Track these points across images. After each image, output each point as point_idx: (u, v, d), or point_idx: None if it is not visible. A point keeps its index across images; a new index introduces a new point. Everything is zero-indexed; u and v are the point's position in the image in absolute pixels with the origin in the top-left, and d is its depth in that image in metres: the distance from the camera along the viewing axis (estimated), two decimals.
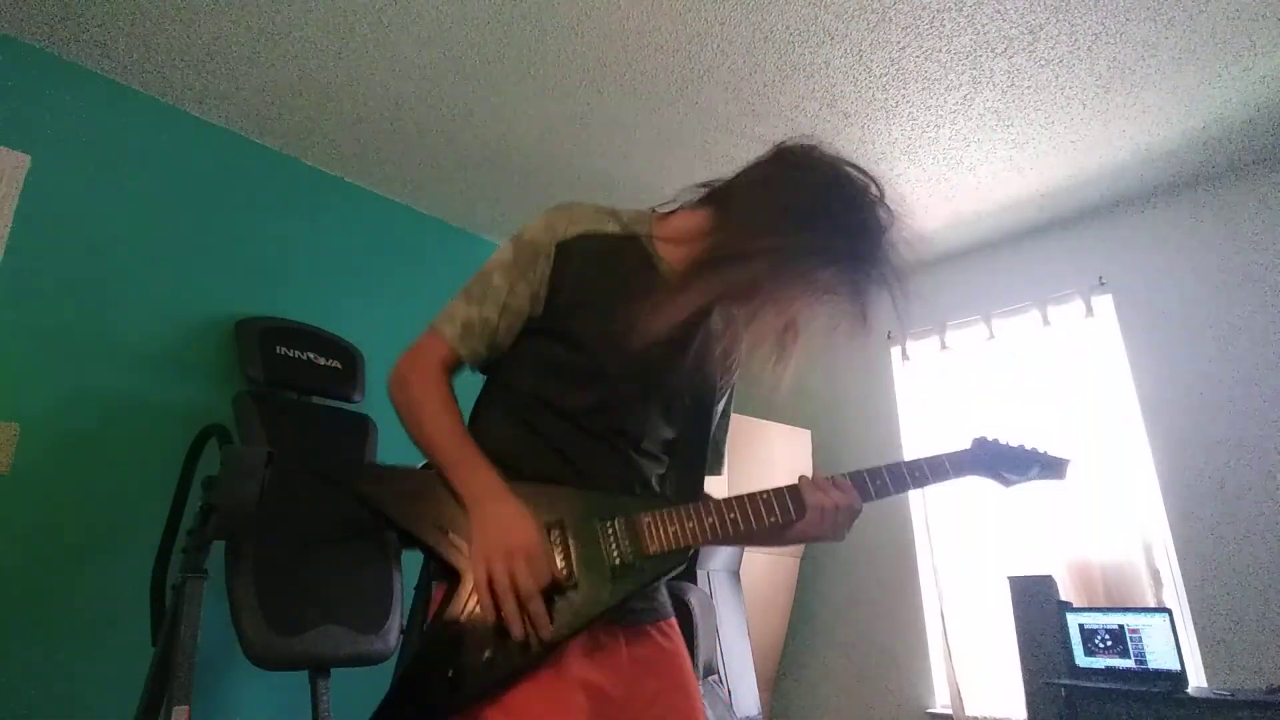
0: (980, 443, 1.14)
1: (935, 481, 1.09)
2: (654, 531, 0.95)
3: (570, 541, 0.93)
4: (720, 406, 1.16)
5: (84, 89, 2.39)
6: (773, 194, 1.05)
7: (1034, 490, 1.21)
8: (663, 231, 1.07)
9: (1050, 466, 1.17)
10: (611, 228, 1.06)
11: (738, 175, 1.11)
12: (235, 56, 2.37)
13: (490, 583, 0.87)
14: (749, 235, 0.98)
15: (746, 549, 3.41)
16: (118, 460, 2.23)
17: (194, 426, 2.22)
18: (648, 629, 1.01)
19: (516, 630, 0.86)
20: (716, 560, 3.27)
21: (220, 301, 2.54)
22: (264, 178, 2.78)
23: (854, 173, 1.05)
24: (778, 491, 1.02)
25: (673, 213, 1.10)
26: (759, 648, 3.43)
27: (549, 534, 0.93)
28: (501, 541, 0.89)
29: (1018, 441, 1.16)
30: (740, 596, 3.36)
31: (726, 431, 1.20)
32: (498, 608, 0.87)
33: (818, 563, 3.79)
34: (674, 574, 0.97)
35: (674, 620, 1.08)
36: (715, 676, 2.98)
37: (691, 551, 0.97)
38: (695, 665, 2.83)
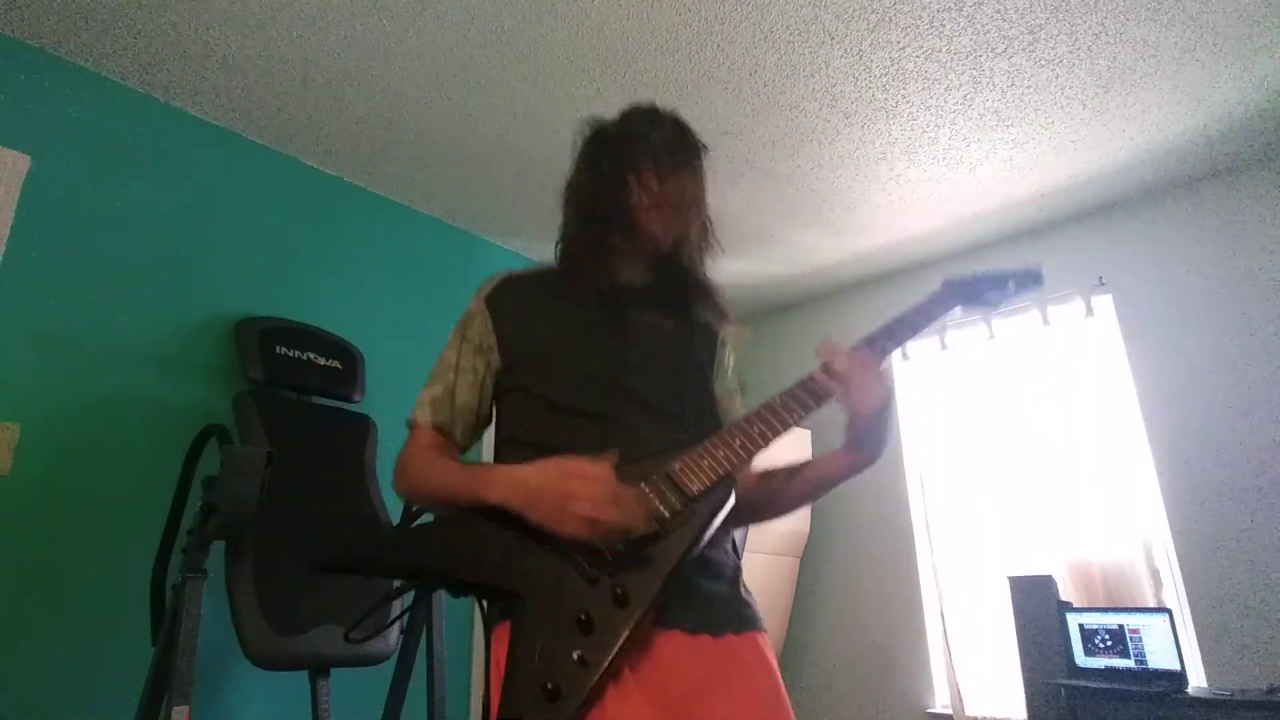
0: (949, 281, 1.14)
1: (926, 325, 1.07)
2: (690, 473, 0.93)
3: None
4: (716, 373, 1.16)
5: (84, 89, 2.39)
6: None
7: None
8: None
9: (1025, 277, 1.14)
10: (530, 270, 1.17)
11: None
12: (235, 56, 2.37)
13: (590, 524, 0.85)
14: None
15: (747, 550, 3.41)
16: (118, 460, 2.23)
17: (194, 426, 2.22)
18: (720, 639, 0.95)
19: (647, 522, 0.87)
20: None
21: (220, 301, 2.54)
22: (264, 178, 2.78)
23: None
24: (796, 384, 1.01)
25: None
26: None
27: None
28: (545, 485, 0.88)
29: (983, 269, 1.17)
30: None
31: (736, 393, 1.19)
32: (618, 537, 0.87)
33: (818, 563, 3.79)
34: (726, 508, 0.93)
35: (761, 635, 1.00)
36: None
37: (731, 479, 0.94)
38: None
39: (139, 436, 2.28)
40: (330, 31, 2.27)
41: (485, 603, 0.95)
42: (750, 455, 0.95)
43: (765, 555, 3.60)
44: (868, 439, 1.00)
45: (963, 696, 3.12)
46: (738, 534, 1.15)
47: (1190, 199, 3.12)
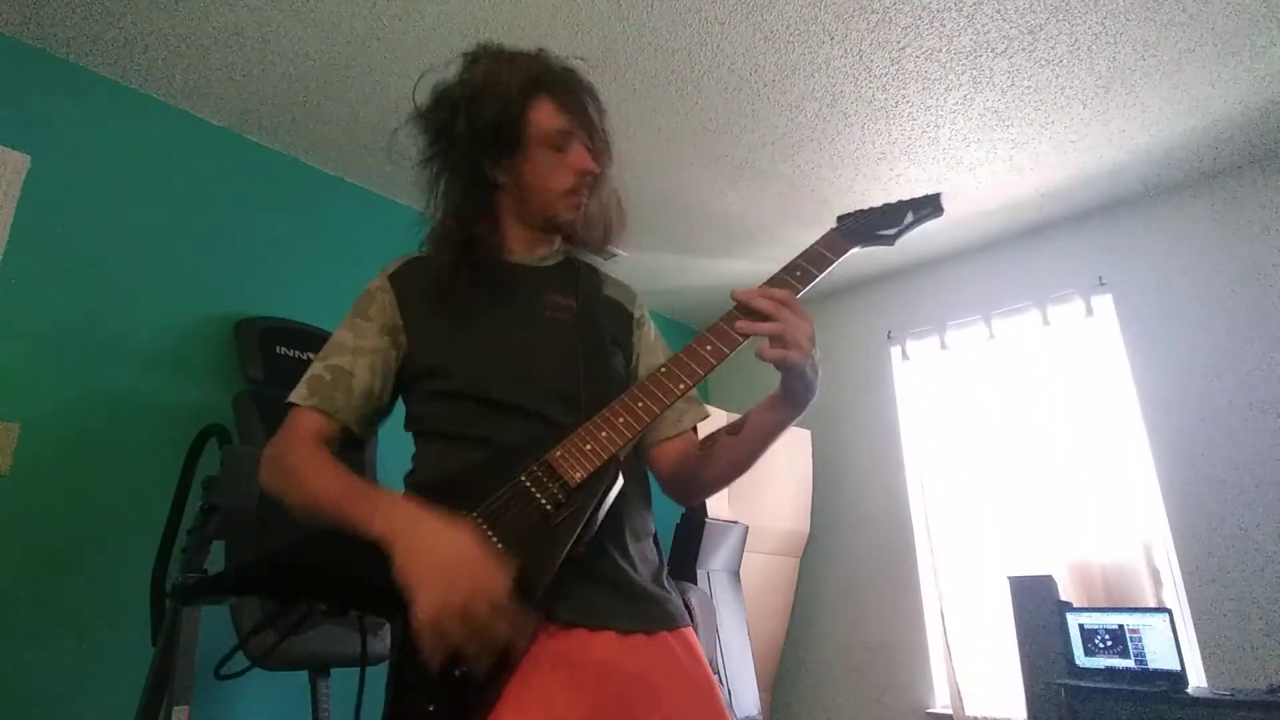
0: (843, 218, 1.06)
1: (820, 270, 0.98)
2: (570, 461, 0.86)
3: (502, 516, 0.85)
4: (637, 351, 1.12)
5: (84, 89, 2.39)
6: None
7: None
8: None
9: (922, 206, 1.08)
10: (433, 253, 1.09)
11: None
12: (235, 56, 2.37)
13: (444, 623, 0.75)
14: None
15: (747, 550, 3.41)
16: (118, 460, 2.23)
17: (194, 426, 2.22)
18: (653, 638, 0.93)
19: (487, 661, 0.77)
20: (716, 560, 3.27)
21: (220, 301, 2.54)
22: (263, 177, 2.78)
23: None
24: (698, 337, 0.93)
25: None
26: (759, 648, 3.43)
27: (478, 524, 0.83)
28: (436, 567, 0.76)
29: (879, 203, 1.10)
30: (740, 596, 3.36)
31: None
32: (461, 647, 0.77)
33: (818, 563, 3.79)
34: (612, 494, 0.87)
35: (689, 631, 0.98)
36: (715, 676, 2.98)
37: (616, 461, 0.88)
38: None
39: (139, 436, 2.28)
40: (330, 32, 2.27)
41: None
42: (635, 433, 0.88)
43: (765, 555, 3.60)
44: (805, 379, 0.92)
45: (963, 696, 3.12)
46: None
47: (1190, 199, 3.13)
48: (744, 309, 0.91)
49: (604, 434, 0.88)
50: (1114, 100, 2.59)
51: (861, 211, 1.06)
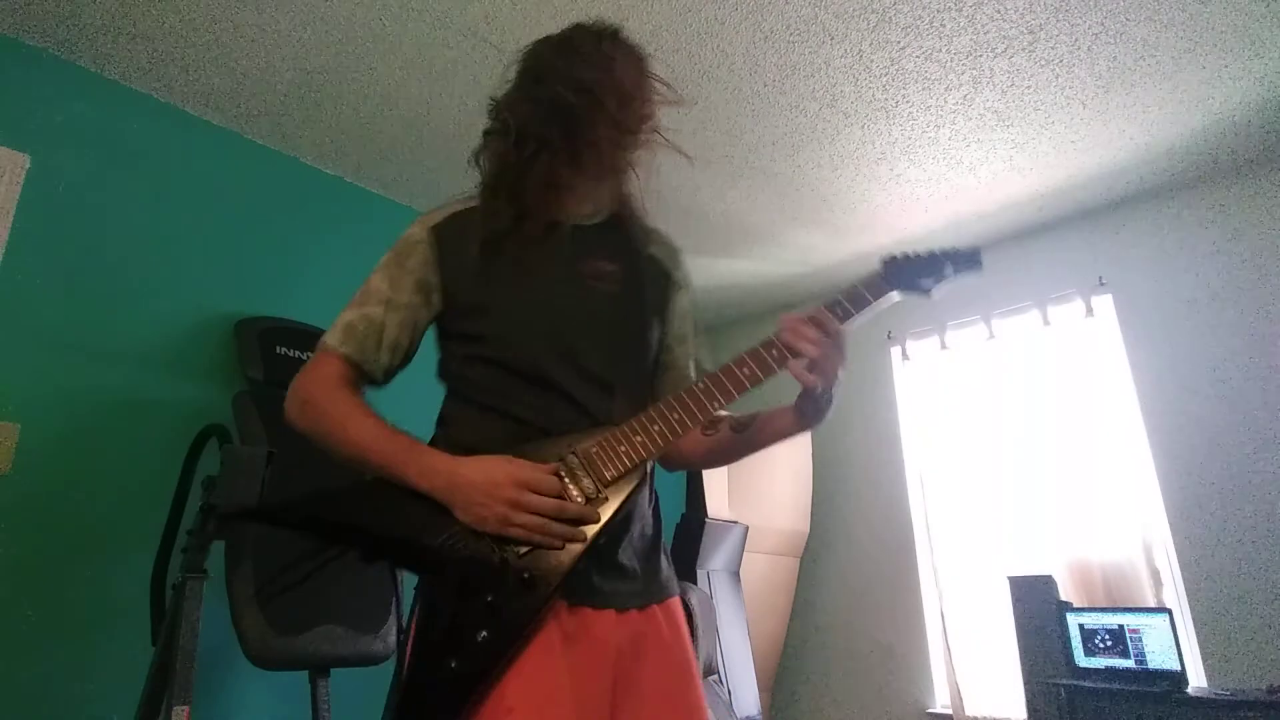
0: (889, 261, 1.07)
1: (859, 310, 1.01)
2: (604, 458, 0.94)
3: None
4: (668, 319, 1.14)
5: (84, 89, 2.39)
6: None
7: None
8: None
9: (963, 260, 1.08)
10: (478, 205, 1.08)
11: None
12: (235, 56, 2.37)
13: (508, 527, 0.88)
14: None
15: (747, 550, 3.41)
16: (118, 460, 2.23)
17: (194, 426, 2.22)
18: (644, 612, 1.00)
19: (563, 543, 0.89)
20: (716, 560, 3.27)
21: (220, 301, 2.55)
22: (264, 178, 2.78)
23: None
24: (737, 359, 0.98)
25: None
26: (759, 648, 3.43)
27: None
28: (487, 492, 0.89)
29: (924, 249, 1.09)
30: (740, 596, 3.36)
31: (687, 339, 1.17)
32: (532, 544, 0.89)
33: (818, 563, 3.79)
34: (639, 495, 0.98)
35: (675, 600, 1.05)
36: (715, 676, 2.98)
37: (644, 466, 0.96)
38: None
39: (139, 436, 2.28)
40: (330, 32, 2.27)
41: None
42: (668, 442, 0.95)
43: (765, 555, 3.60)
44: (821, 403, 1.00)
45: (963, 696, 3.12)
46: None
47: (1190, 199, 3.12)
48: (791, 332, 0.97)
49: (639, 439, 0.94)
50: (1114, 100, 2.59)
51: (906, 256, 1.07)
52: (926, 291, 1.07)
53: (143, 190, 2.46)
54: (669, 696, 0.97)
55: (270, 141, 2.80)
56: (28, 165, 2.21)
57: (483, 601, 0.87)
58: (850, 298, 1.01)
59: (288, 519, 1.00)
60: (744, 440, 1.07)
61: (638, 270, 1.09)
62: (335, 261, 2.90)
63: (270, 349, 2.44)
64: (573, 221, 1.08)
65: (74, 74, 2.37)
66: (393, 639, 2.21)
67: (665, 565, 1.06)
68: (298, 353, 2.49)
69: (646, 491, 1.06)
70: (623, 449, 0.94)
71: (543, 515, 0.89)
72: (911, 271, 1.06)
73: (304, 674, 2.11)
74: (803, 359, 0.95)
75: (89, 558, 2.13)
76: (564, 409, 0.99)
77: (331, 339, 1.01)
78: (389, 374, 1.05)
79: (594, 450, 0.94)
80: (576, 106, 1.01)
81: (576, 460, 0.93)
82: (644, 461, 0.94)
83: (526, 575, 0.88)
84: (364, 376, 1.02)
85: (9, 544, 2.01)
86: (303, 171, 2.91)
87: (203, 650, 1.86)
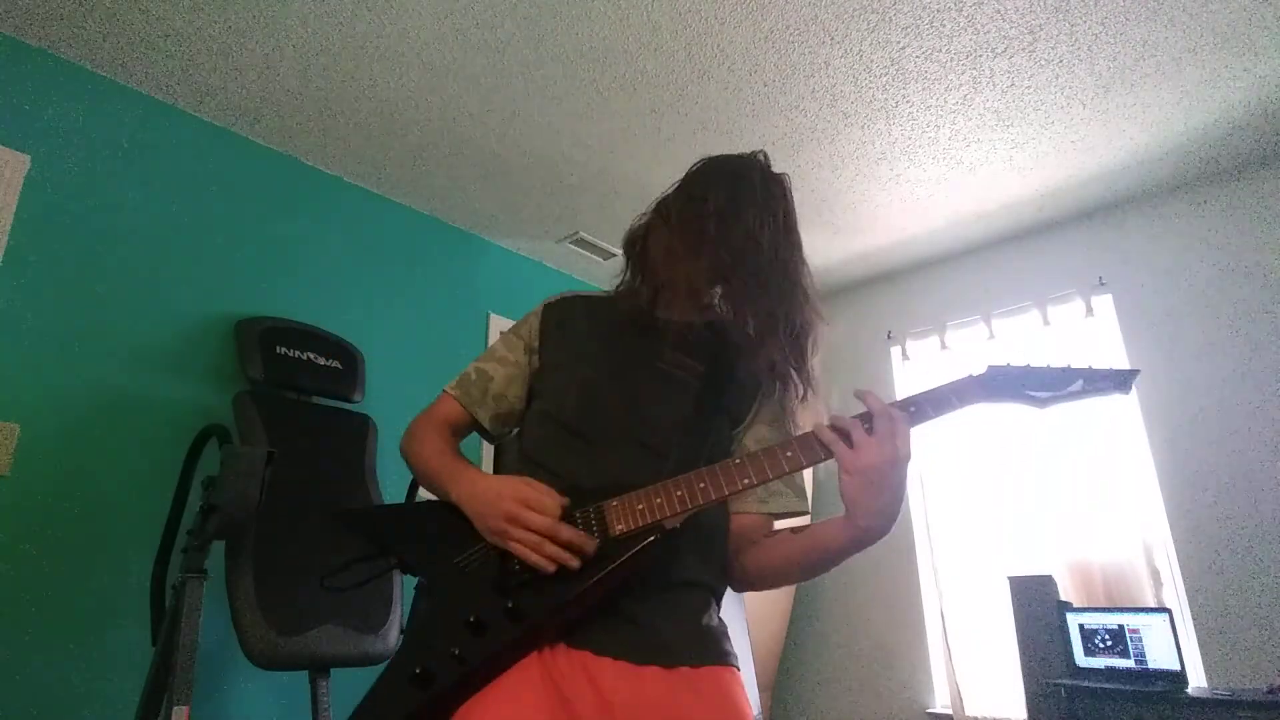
0: (994, 368, 0.97)
1: (937, 415, 0.95)
2: (620, 514, 0.93)
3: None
4: (750, 422, 1.10)
5: (84, 89, 2.39)
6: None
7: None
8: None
9: (1103, 380, 0.93)
10: (594, 294, 1.20)
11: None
12: (235, 56, 2.37)
13: (505, 540, 0.91)
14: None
15: None
16: (118, 460, 2.23)
17: (194, 426, 2.22)
18: (672, 671, 0.91)
19: (553, 564, 0.89)
20: None
21: (220, 301, 2.55)
22: (264, 178, 2.78)
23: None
24: (778, 445, 0.92)
25: None
26: (759, 648, 3.43)
27: None
28: (497, 506, 0.93)
29: (1047, 363, 0.95)
30: (740, 597, 3.36)
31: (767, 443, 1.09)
32: (530, 560, 0.90)
33: None
34: (649, 555, 0.91)
35: (720, 671, 0.95)
36: None
37: (660, 527, 0.92)
38: None
39: (139, 436, 2.28)
40: (330, 32, 2.27)
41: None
42: (686, 508, 0.92)
43: None
44: (865, 514, 0.89)
45: (963, 696, 3.12)
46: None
47: (1190, 199, 3.12)
48: (837, 428, 0.90)
49: (659, 500, 0.93)
50: (1114, 100, 2.59)
51: (1019, 368, 0.96)
52: (1041, 404, 0.96)
53: (142, 190, 2.46)
54: None
55: (270, 141, 2.80)
56: (28, 165, 2.21)
57: (465, 620, 0.89)
58: (934, 399, 0.93)
59: (367, 533, 1.07)
60: (797, 544, 0.99)
61: (721, 373, 1.08)
62: (335, 261, 2.90)
63: (270, 349, 2.44)
64: (668, 317, 1.12)
65: (74, 74, 2.37)
66: (393, 639, 2.21)
67: (710, 628, 0.99)
68: (298, 353, 2.49)
69: (689, 546, 0.99)
70: (640, 507, 0.93)
71: (537, 532, 0.89)
72: (1020, 378, 0.96)
73: (304, 674, 2.11)
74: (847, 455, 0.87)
75: (89, 558, 2.13)
76: (605, 468, 0.99)
77: (450, 384, 1.16)
78: (499, 421, 1.15)
79: (614, 504, 0.94)
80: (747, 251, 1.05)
81: (591, 514, 0.94)
82: (658, 522, 0.92)
83: (512, 605, 0.88)
84: (470, 420, 1.14)
85: (9, 544, 2.01)
86: (303, 171, 2.91)
87: (203, 650, 1.86)
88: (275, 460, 1.93)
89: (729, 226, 1.05)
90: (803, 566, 1.00)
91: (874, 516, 0.88)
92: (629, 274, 1.16)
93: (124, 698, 2.03)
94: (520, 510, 0.91)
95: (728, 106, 2.59)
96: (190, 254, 2.52)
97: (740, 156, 1.15)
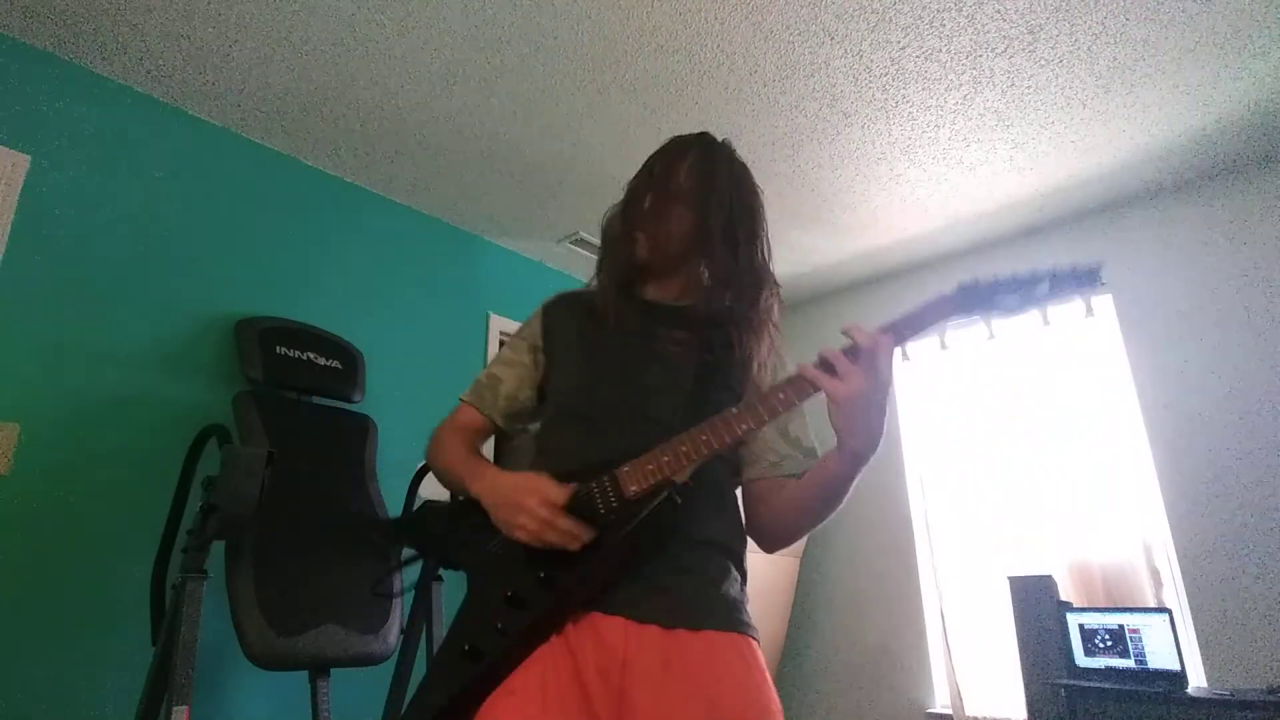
0: (965, 285, 0.98)
1: (917, 332, 0.96)
2: (632, 477, 0.97)
3: (571, 509, 0.97)
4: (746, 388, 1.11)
5: (84, 89, 2.39)
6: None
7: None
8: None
9: (1066, 279, 0.93)
10: (585, 290, 1.24)
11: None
12: (236, 57, 2.37)
13: (512, 530, 0.96)
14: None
15: (747, 550, 3.41)
16: (118, 460, 2.23)
17: (194, 426, 2.22)
18: (670, 633, 0.94)
19: (558, 540, 0.94)
20: None
21: (220, 301, 2.55)
22: (264, 178, 2.78)
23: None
24: (773, 386, 0.96)
25: None
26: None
27: None
28: (508, 498, 0.98)
29: (1012, 271, 0.97)
30: None
31: (789, 421, 1.12)
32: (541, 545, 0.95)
33: (818, 563, 3.79)
34: (665, 512, 0.95)
35: (729, 636, 0.98)
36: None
37: (670, 483, 0.95)
38: None
39: (139, 436, 2.28)
40: (330, 32, 2.27)
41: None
42: (692, 461, 0.95)
43: (765, 555, 3.60)
44: (854, 436, 0.93)
45: (963, 696, 3.12)
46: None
47: (1190, 199, 3.12)
48: (823, 363, 0.93)
49: (666, 458, 0.96)
50: (1114, 100, 2.59)
51: (993, 279, 0.97)
52: (1011, 311, 0.97)
53: (143, 190, 2.46)
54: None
55: (270, 141, 2.80)
56: (28, 165, 2.21)
57: (503, 596, 0.96)
58: (910, 321, 0.95)
59: (408, 530, 1.14)
60: (804, 487, 1.04)
61: (714, 349, 1.11)
62: (335, 262, 2.90)
63: (270, 349, 2.43)
64: (657, 300, 1.19)
65: (74, 74, 2.37)
66: (393, 639, 2.21)
67: (726, 595, 1.01)
68: (298, 353, 2.49)
69: (704, 505, 1.03)
70: (650, 467, 0.97)
71: (539, 517, 0.94)
72: (989, 290, 0.97)
73: (304, 674, 2.11)
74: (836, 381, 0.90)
75: (89, 558, 2.13)
76: (616, 444, 1.02)
77: (465, 392, 1.22)
78: (512, 419, 1.21)
79: (625, 470, 0.98)
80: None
81: (606, 481, 0.98)
82: (668, 479, 0.96)
83: (543, 575, 0.96)
84: (486, 423, 1.20)
85: (9, 544, 2.01)
86: (303, 171, 2.91)
87: (203, 650, 1.86)
88: (275, 460, 1.93)
89: (704, 200, 1.13)
90: (812, 506, 1.04)
91: (863, 437, 0.93)
92: (610, 257, 1.19)
93: (124, 698, 2.03)
94: (525, 499, 0.95)
95: (728, 106, 2.59)
96: (190, 254, 2.52)
97: (702, 134, 1.21)
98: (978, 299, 0.98)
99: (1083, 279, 0.93)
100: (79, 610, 2.08)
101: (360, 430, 2.54)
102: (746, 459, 1.12)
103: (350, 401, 2.60)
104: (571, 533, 0.94)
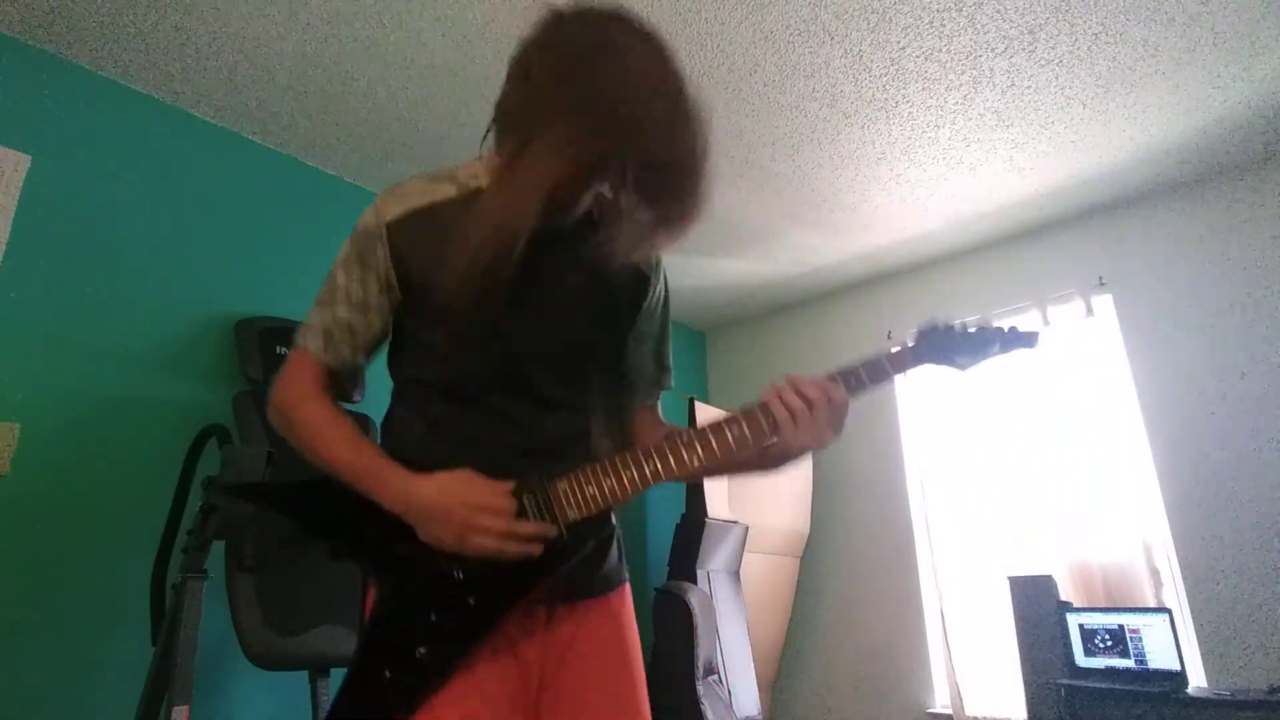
0: (925, 332, 1.02)
1: (875, 384, 0.98)
2: (570, 498, 0.92)
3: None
4: (639, 318, 1.08)
5: (84, 89, 2.39)
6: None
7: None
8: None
9: (1013, 341, 1.03)
10: (446, 193, 1.00)
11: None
12: (235, 57, 2.37)
13: (463, 549, 0.88)
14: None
15: (747, 550, 3.41)
16: (118, 460, 2.23)
17: (194, 426, 2.22)
18: (587, 604, 0.99)
19: (521, 552, 0.89)
20: (717, 560, 3.27)
21: (220, 301, 2.54)
22: (264, 178, 2.78)
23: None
24: (725, 421, 0.94)
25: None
26: (759, 648, 3.43)
27: None
28: (448, 515, 0.87)
29: (971, 325, 1.03)
30: (740, 596, 3.36)
31: (664, 342, 1.14)
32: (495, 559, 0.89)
33: (818, 563, 3.79)
34: (601, 537, 0.97)
35: (616, 591, 1.02)
36: (715, 676, 2.98)
37: (611, 513, 0.96)
38: (695, 665, 2.83)
39: (139, 436, 2.28)
40: (330, 32, 2.27)
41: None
42: (638, 490, 0.93)
43: (765, 555, 3.60)
44: (774, 462, 1.01)
45: (963, 696, 3.12)
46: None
47: (1190, 199, 3.12)
48: (775, 399, 0.94)
49: (608, 483, 0.92)
50: (1114, 100, 2.59)
51: (949, 329, 1.02)
52: (962, 368, 1.05)
53: (143, 190, 2.46)
54: (597, 689, 0.95)
55: (270, 141, 2.80)
56: (28, 165, 2.21)
57: (426, 620, 0.89)
58: (869, 369, 0.97)
59: (279, 502, 1.02)
60: (714, 464, 1.02)
61: (606, 279, 1.02)
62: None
63: (270, 349, 2.43)
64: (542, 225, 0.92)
65: (74, 74, 2.37)
66: None
67: (610, 555, 1.03)
68: None
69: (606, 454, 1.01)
70: (591, 492, 0.92)
71: (499, 535, 0.87)
72: (949, 347, 1.02)
73: (304, 674, 2.11)
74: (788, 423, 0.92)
75: (89, 558, 2.13)
76: (516, 436, 0.97)
77: (313, 344, 1.01)
78: (361, 369, 1.07)
79: (562, 488, 0.92)
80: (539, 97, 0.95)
81: (537, 496, 0.91)
82: (608, 510, 0.94)
83: (472, 601, 0.90)
84: (339, 378, 1.04)
85: (9, 544, 2.01)
86: (303, 171, 2.91)
87: (203, 650, 1.86)
88: (275, 460, 1.93)
89: (607, 89, 0.90)
90: (693, 471, 0.97)
91: (773, 469, 1.02)
92: (498, 151, 0.97)
93: (124, 698, 2.03)
94: (475, 517, 0.87)
95: (728, 106, 2.59)
96: (190, 254, 2.52)
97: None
98: (934, 353, 1.02)
99: (1025, 340, 1.04)
100: (79, 610, 2.08)
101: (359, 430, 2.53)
102: (624, 398, 1.12)
103: (349, 401, 2.59)
104: (533, 539, 0.89)
